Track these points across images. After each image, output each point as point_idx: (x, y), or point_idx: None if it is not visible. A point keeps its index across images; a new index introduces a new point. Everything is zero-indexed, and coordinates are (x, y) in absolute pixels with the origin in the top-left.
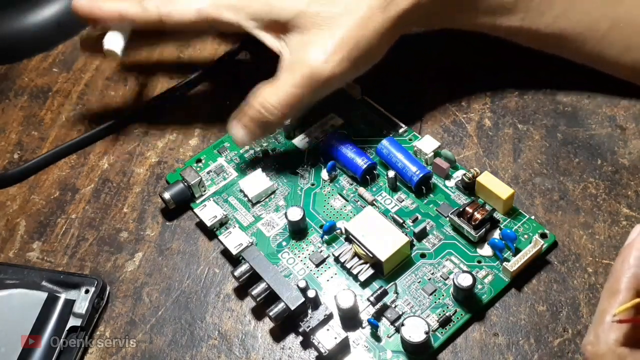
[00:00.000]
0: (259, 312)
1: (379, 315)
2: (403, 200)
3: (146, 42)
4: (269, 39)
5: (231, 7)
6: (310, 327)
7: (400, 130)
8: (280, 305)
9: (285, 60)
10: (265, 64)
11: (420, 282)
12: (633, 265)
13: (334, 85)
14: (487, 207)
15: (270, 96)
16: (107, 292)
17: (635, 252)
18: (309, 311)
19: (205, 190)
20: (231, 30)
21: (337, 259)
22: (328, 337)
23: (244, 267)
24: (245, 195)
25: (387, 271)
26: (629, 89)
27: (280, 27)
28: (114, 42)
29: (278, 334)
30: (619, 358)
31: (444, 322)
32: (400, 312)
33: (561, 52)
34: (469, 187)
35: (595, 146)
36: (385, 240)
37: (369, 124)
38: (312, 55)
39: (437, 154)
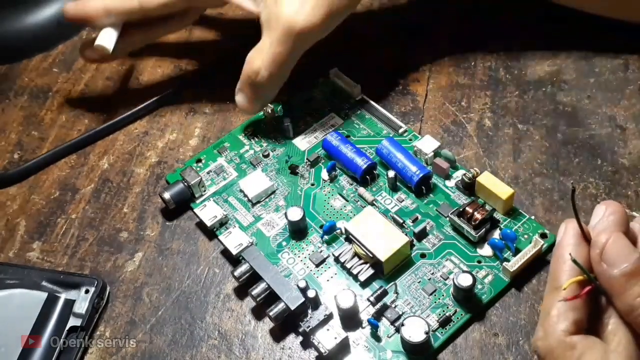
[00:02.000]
0: (259, 312)
1: (379, 315)
2: (403, 200)
3: (139, 36)
4: (246, 3)
5: None
6: (310, 327)
7: (400, 130)
8: (280, 305)
9: (262, 19)
10: None
11: (420, 282)
12: (568, 259)
13: (313, 36)
14: (487, 207)
15: (255, 59)
16: (107, 292)
17: (567, 247)
18: (309, 311)
19: (205, 190)
20: (211, 3)
21: (337, 259)
22: (328, 337)
23: (244, 267)
24: (245, 195)
25: (387, 271)
26: (629, 89)
27: None
28: (104, 38)
29: (278, 334)
30: (570, 346)
31: (444, 322)
32: (400, 312)
33: None
34: (469, 187)
35: (595, 146)
36: (385, 240)
37: (369, 124)
38: (284, 9)
39: (437, 154)
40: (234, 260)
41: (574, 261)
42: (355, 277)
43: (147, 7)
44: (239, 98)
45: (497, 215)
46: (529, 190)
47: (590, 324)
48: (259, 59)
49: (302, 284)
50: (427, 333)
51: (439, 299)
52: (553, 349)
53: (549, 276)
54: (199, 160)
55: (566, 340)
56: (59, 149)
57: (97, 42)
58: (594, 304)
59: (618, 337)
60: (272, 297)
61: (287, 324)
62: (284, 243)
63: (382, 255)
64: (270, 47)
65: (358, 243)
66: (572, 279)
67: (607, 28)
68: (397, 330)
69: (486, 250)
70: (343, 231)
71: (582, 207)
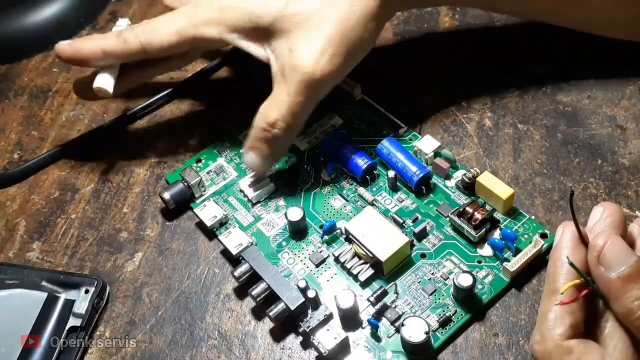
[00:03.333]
0: (259, 312)
1: (379, 315)
2: (403, 200)
3: (138, 75)
4: (254, 49)
5: (210, 22)
6: (310, 327)
7: (400, 130)
8: (280, 305)
9: (275, 69)
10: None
11: (420, 282)
12: (565, 262)
13: (331, 83)
14: (487, 207)
15: (270, 112)
16: (107, 292)
17: (564, 250)
18: (309, 311)
19: (205, 190)
20: (216, 45)
21: (337, 259)
22: (328, 337)
23: (244, 267)
24: (245, 195)
25: (387, 271)
26: (629, 89)
27: (263, 34)
28: (103, 80)
29: (278, 334)
30: (567, 351)
31: (444, 322)
32: (400, 312)
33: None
34: (469, 187)
35: (596, 146)
36: (385, 240)
37: (369, 124)
38: (301, 59)
39: (437, 154)
40: (234, 260)
41: (571, 264)
42: (355, 277)
43: (149, 50)
44: (250, 157)
45: (497, 215)
46: (529, 190)
47: (587, 327)
48: (275, 110)
49: (302, 284)
50: (427, 333)
51: (439, 299)
52: (550, 353)
53: (546, 279)
54: (199, 160)
55: (563, 344)
56: (59, 149)
57: (96, 85)
58: (591, 307)
59: (615, 341)
60: (272, 297)
61: (287, 324)
62: (284, 243)
63: (382, 255)
64: (288, 97)
65: (358, 243)
66: (570, 283)
67: None
68: (397, 330)
69: (486, 250)
70: (343, 231)
71: (583, 207)
